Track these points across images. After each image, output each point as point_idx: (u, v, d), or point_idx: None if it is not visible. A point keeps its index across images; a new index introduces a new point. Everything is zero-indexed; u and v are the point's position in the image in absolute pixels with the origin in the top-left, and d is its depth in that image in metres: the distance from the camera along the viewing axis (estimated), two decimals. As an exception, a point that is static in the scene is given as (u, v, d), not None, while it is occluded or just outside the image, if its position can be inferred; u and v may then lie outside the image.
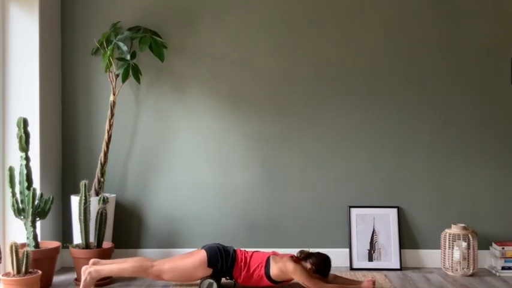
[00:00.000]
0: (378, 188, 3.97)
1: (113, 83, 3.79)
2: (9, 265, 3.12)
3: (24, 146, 3.40)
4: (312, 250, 3.37)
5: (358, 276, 3.65)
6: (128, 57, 3.72)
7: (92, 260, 3.28)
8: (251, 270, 3.24)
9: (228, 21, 3.98)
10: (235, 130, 3.99)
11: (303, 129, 3.98)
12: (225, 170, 3.99)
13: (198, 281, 3.31)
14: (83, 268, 3.22)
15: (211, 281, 3.26)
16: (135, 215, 3.99)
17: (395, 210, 3.94)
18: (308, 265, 3.26)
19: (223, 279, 3.43)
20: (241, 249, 3.38)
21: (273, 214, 3.99)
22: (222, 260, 3.25)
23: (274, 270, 3.22)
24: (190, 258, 3.26)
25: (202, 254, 3.26)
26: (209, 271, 3.24)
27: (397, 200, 3.97)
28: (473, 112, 3.95)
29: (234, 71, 3.98)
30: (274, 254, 3.34)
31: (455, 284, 3.53)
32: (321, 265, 3.27)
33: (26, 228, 3.41)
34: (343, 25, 3.97)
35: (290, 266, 3.21)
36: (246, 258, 3.29)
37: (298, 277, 3.20)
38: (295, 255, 3.31)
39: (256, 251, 3.36)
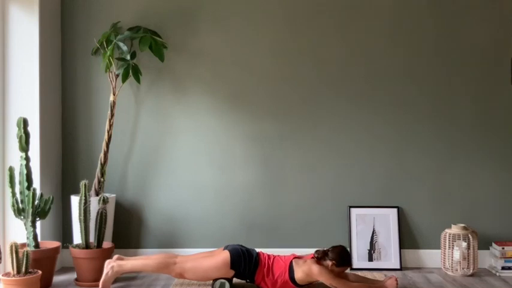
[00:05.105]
0: (378, 188, 3.97)
1: (113, 83, 3.79)
2: (9, 265, 3.12)
3: (24, 146, 3.40)
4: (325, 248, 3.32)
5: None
6: (128, 57, 3.72)
7: (115, 256, 3.27)
8: (275, 277, 3.20)
9: (228, 21, 3.98)
10: (235, 130, 3.99)
11: (303, 129, 3.98)
12: (225, 170, 3.98)
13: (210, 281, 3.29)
14: (106, 262, 3.22)
15: (223, 281, 3.22)
16: (135, 215, 3.99)
17: (395, 210, 3.94)
18: (328, 262, 3.21)
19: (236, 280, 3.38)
20: (263, 252, 3.33)
21: (273, 214, 3.99)
22: (245, 263, 3.19)
23: (298, 274, 3.18)
24: (213, 259, 3.20)
25: (225, 255, 3.20)
26: (231, 273, 3.20)
27: (397, 200, 3.97)
28: (473, 112, 3.95)
29: (234, 71, 3.98)
30: (295, 257, 3.29)
31: (455, 284, 3.53)
32: (340, 258, 3.23)
33: (26, 228, 3.41)
34: (344, 25, 3.97)
35: (315, 268, 3.16)
36: (268, 264, 3.23)
37: (324, 279, 3.15)
38: (314, 255, 3.27)
39: (278, 256, 3.31)
